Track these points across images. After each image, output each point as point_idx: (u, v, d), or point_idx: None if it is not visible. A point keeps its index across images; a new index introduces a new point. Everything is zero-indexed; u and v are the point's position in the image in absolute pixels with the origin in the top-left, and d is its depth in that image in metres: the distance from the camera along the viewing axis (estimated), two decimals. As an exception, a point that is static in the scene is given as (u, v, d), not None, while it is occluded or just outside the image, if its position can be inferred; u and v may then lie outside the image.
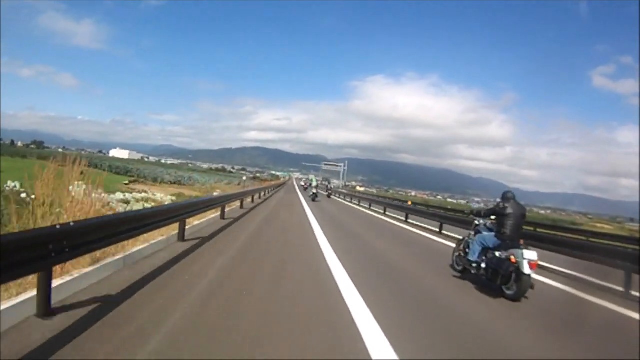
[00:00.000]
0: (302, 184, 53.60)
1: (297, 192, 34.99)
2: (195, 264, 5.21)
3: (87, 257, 4.04)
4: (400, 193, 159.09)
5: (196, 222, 8.29)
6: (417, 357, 2.85)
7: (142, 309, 3.37)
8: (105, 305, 3.37)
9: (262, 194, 24.01)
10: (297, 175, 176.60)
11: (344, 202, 28.48)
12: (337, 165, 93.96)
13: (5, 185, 13.73)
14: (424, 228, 12.92)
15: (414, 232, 11.88)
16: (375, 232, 11.64)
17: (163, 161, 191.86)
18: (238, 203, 14.01)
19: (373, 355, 2.79)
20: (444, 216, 12.72)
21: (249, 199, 17.41)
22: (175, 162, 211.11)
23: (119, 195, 28.44)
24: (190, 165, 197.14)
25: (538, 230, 11.96)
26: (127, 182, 36.80)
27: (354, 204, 26.53)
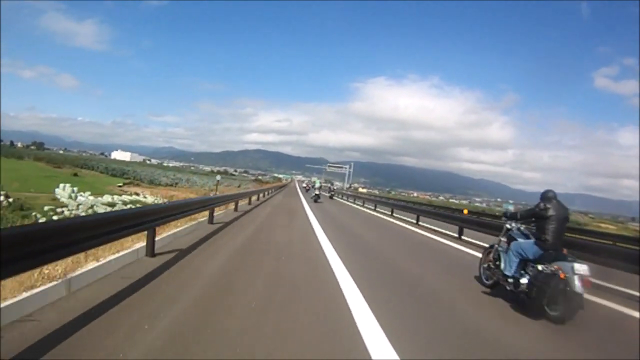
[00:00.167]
0: (304, 185, 53.31)
1: (299, 195, 34.12)
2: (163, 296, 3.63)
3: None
4: (402, 194, 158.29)
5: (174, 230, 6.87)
6: None
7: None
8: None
9: (261, 195, 23.07)
10: (299, 177, 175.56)
11: (347, 202, 27.61)
12: (342, 167, 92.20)
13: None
14: (434, 231, 11.90)
15: (429, 237, 10.81)
16: (377, 232, 10.67)
17: (165, 164, 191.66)
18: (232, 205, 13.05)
19: None
20: (471, 220, 10.57)
21: (246, 201, 16.47)
22: (178, 164, 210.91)
23: (106, 198, 27.48)
24: (192, 167, 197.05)
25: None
26: (121, 184, 35.99)
27: (358, 204, 25.73)
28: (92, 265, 4.00)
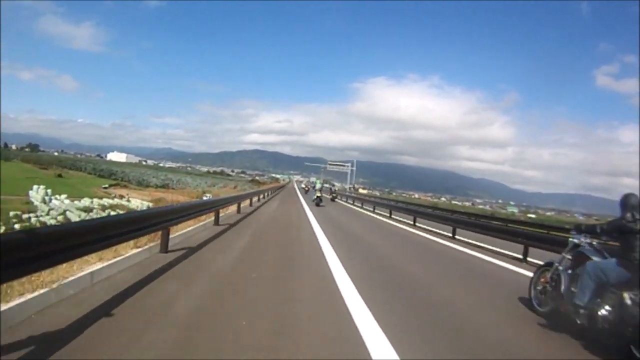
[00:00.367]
0: (303, 186, 50.73)
1: (298, 196, 31.48)
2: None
3: None
4: (403, 195, 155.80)
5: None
6: None
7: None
8: None
9: (255, 199, 20.35)
10: (297, 177, 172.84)
11: (353, 207, 24.94)
12: (344, 165, 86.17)
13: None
14: (469, 244, 9.42)
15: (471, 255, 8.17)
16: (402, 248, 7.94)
17: (162, 165, 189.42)
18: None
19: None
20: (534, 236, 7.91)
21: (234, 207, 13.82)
22: (174, 165, 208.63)
23: (84, 202, 24.42)
24: (189, 168, 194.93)
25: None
26: (106, 185, 33.23)
27: (365, 209, 22.91)
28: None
